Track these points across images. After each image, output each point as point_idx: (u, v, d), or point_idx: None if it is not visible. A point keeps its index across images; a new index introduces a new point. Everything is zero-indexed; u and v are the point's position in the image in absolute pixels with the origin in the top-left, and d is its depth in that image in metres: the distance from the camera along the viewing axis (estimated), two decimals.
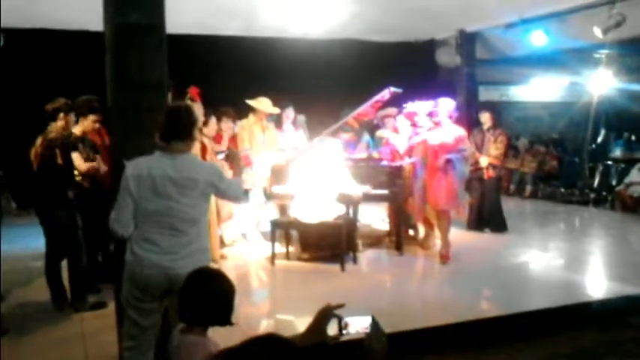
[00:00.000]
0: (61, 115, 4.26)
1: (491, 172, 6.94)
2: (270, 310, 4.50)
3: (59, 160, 4.17)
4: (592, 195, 9.70)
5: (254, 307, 4.51)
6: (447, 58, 10.11)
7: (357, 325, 1.98)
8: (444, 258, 5.69)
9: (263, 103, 6.33)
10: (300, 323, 2.94)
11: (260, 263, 5.73)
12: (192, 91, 5.33)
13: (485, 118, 7.04)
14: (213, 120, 5.73)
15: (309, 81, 8.81)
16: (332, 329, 2.02)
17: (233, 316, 2.16)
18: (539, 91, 12.26)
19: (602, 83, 10.43)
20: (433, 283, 5.32)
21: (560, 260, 5.99)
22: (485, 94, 11.33)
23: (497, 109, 8.46)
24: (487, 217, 6.90)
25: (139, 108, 3.09)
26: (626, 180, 9.05)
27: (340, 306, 2.07)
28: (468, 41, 9.71)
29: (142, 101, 3.09)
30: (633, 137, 10.96)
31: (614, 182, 9.40)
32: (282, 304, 4.59)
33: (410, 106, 6.04)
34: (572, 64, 9.84)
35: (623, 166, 9.66)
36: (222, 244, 5.98)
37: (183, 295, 2.12)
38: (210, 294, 2.11)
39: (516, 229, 7.36)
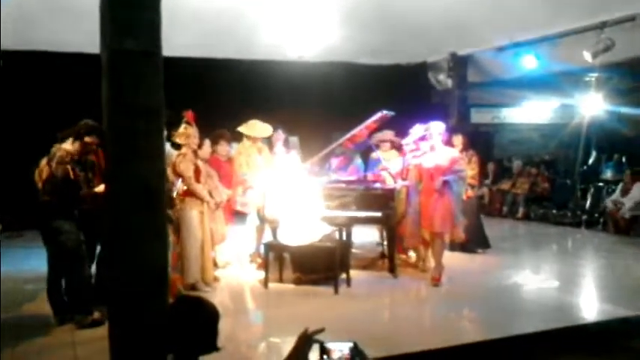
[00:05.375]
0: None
1: (470, 192, 7.07)
2: (262, 334, 4.48)
3: (72, 176, 4.39)
4: (584, 217, 9.78)
5: (245, 331, 4.50)
6: (439, 80, 10.27)
7: (340, 351, 2.08)
8: (435, 280, 5.72)
9: (254, 128, 6.44)
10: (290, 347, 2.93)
11: (253, 286, 5.73)
12: (188, 115, 5.43)
13: (459, 140, 7.15)
14: (207, 143, 5.82)
15: (302, 103, 8.93)
16: (314, 355, 2.11)
17: (219, 340, 2.18)
18: (530, 113, 12.41)
19: (592, 105, 10.63)
20: (427, 307, 5.33)
21: (554, 282, 6.02)
22: (477, 116, 11.50)
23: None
24: (470, 237, 6.90)
25: (135, 133, 3.07)
26: (612, 197, 9.18)
27: (320, 331, 2.15)
28: (459, 64, 9.88)
29: (138, 126, 3.07)
30: (624, 159, 11.10)
31: (605, 204, 9.45)
32: (273, 327, 4.57)
33: (413, 132, 6.19)
34: (563, 86, 10.01)
35: (614, 187, 9.76)
36: (216, 266, 5.98)
37: (167, 327, 2.13)
38: (194, 324, 2.12)
39: (508, 250, 7.45)
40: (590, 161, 11.83)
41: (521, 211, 10.50)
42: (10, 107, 7.69)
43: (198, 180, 5.40)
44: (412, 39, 8.41)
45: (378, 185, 6.24)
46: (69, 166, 4.39)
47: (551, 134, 12.43)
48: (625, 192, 9.12)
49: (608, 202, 9.20)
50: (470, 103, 10.72)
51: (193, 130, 5.40)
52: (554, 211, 10.25)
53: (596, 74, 9.55)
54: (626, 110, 10.48)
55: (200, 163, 5.53)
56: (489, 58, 9.77)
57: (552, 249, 8.24)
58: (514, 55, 9.04)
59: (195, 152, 5.48)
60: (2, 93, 7.42)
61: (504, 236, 8.69)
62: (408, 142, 6.29)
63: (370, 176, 6.62)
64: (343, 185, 6.26)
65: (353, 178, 6.64)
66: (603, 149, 11.72)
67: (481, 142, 10.46)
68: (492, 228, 8.02)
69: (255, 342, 4.23)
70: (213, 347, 2.15)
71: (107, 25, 3.11)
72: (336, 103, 9.15)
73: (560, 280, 6.06)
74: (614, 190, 9.56)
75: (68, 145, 4.46)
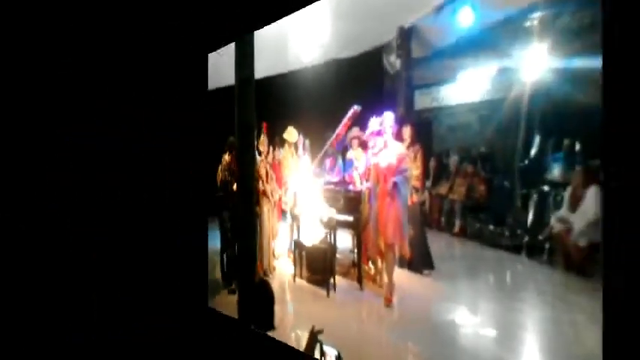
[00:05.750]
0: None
1: (415, 197, 6.70)
2: (291, 324, 5.97)
3: (227, 179, 7.33)
4: (525, 238, 8.52)
5: (285, 318, 6.16)
6: (390, 62, 9.93)
7: (330, 357, 3.10)
8: (387, 301, 5.80)
9: (292, 134, 8.35)
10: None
11: (287, 279, 7.28)
12: (264, 125, 7.70)
13: (408, 133, 6.79)
14: (271, 149, 8.04)
15: (305, 105, 9.42)
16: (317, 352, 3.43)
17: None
18: (467, 88, 11.14)
19: (534, 64, 8.98)
20: (384, 330, 5.62)
21: (490, 330, 5.64)
22: (420, 100, 10.33)
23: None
24: (415, 253, 6.52)
25: (246, 144, 5.89)
26: (558, 214, 8.06)
27: (320, 331, 3.41)
28: (404, 39, 9.28)
29: (247, 139, 5.83)
30: (578, 145, 9.71)
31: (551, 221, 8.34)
32: (300, 320, 5.92)
33: (370, 126, 6.39)
34: (501, 43, 8.70)
35: (565, 192, 8.53)
36: (274, 257, 7.98)
37: (252, 303, 3.20)
38: (268, 303, 3.28)
39: (447, 276, 6.91)
40: (533, 152, 10.46)
41: (457, 223, 9.36)
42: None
43: (267, 182, 7.57)
44: (368, 19, 8.34)
45: (350, 187, 6.85)
46: (227, 172, 7.03)
47: (490, 115, 11.24)
48: (574, 202, 8.00)
49: (554, 220, 8.01)
50: (414, 85, 9.62)
51: (265, 139, 7.72)
52: (490, 227, 9.04)
53: (538, 13, 8.11)
54: (580, 63, 9.06)
55: (268, 166, 7.71)
56: (429, 25, 8.66)
57: (489, 282, 7.47)
58: (452, 14, 7.91)
59: (266, 157, 7.84)
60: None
61: (443, 256, 8.13)
62: (365, 137, 6.52)
63: (347, 177, 7.16)
64: (332, 187, 7.08)
65: (337, 179, 7.31)
66: (550, 131, 10.07)
67: (424, 132, 9.36)
68: (430, 244, 7.68)
69: (290, 329, 5.72)
70: (271, 325, 3.32)
71: (237, 59, 5.83)
72: (329, 102, 9.45)
73: (497, 329, 5.67)
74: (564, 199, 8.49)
75: (227, 156, 7.17)
